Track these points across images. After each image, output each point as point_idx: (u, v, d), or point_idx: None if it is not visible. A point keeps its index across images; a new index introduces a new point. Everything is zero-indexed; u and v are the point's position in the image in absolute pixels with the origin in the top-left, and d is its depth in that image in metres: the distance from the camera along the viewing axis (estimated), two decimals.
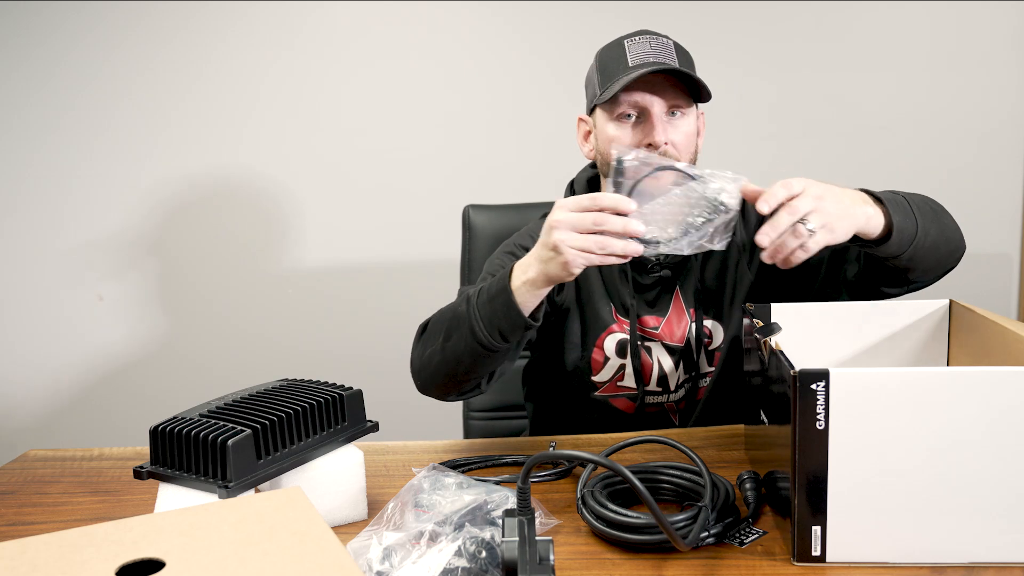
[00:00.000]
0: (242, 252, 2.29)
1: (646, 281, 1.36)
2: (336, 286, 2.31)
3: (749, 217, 1.39)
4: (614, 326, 1.35)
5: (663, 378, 1.36)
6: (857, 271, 1.27)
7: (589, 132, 1.36)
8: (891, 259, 1.12)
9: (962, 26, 2.21)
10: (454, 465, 1.18)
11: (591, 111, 1.34)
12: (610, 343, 1.35)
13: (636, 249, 1.01)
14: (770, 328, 1.09)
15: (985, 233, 2.30)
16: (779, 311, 1.17)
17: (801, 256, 1.01)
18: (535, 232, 1.39)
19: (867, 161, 2.26)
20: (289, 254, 2.29)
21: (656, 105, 1.25)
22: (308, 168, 2.26)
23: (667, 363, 1.36)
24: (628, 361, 1.35)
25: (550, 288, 1.10)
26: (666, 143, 1.25)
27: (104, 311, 2.30)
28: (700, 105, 1.31)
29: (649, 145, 1.26)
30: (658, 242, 1.01)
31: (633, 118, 1.27)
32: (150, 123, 2.23)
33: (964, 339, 1.14)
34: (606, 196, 1.01)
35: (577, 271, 1.04)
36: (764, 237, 0.99)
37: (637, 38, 1.29)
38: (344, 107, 2.24)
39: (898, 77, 2.23)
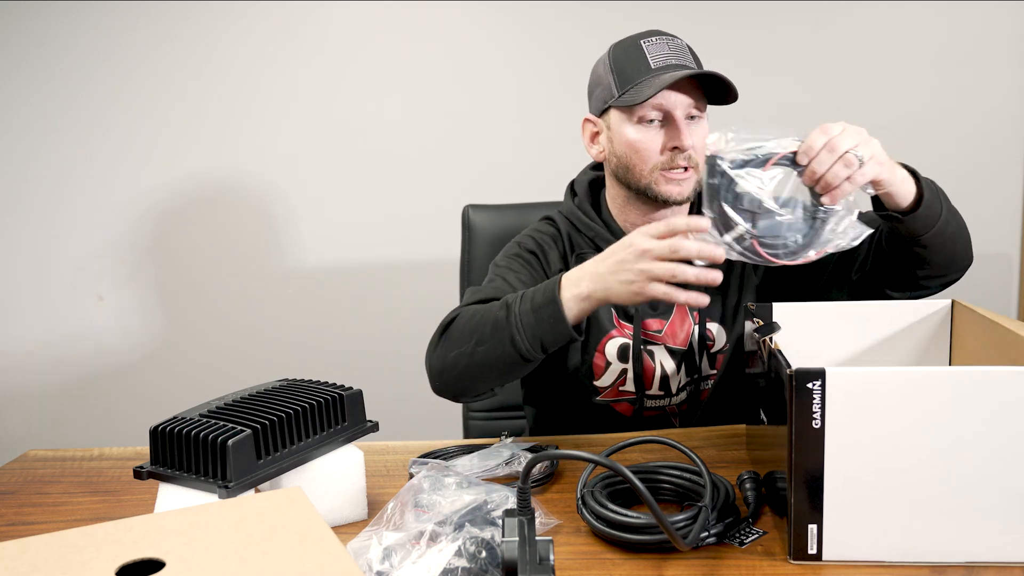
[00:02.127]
0: (242, 252, 2.29)
1: None
2: (336, 286, 2.31)
3: None
4: (614, 331, 1.34)
5: (665, 380, 1.35)
6: (863, 273, 1.26)
7: (597, 133, 1.34)
8: (913, 239, 1.13)
9: (962, 26, 2.21)
10: (435, 455, 1.20)
11: (602, 112, 1.32)
12: (611, 348, 1.34)
13: (714, 278, 1.00)
14: (770, 327, 1.09)
15: (985, 233, 2.29)
16: (780, 311, 1.17)
17: (848, 188, 1.01)
18: (537, 233, 1.38)
19: None
20: (289, 254, 2.30)
21: (680, 108, 1.24)
22: (308, 168, 2.26)
23: (669, 366, 1.35)
24: (630, 366, 1.34)
25: (601, 305, 1.10)
26: (691, 146, 1.24)
27: (104, 311, 2.30)
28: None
29: (675, 148, 1.25)
30: (776, 255, 0.98)
31: (657, 122, 1.26)
32: (149, 123, 2.23)
33: (966, 339, 1.14)
34: (679, 220, 1.01)
35: (645, 300, 1.04)
36: (812, 174, 1.01)
37: (653, 39, 1.27)
38: (343, 106, 2.24)
39: (898, 77, 2.23)
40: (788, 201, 1.00)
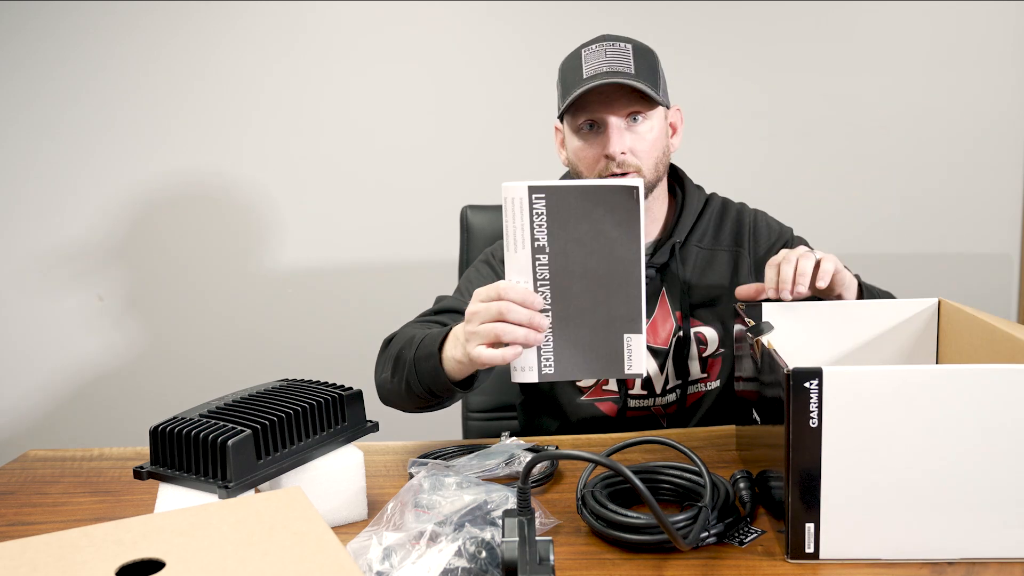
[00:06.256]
0: (242, 252, 2.29)
1: None
2: (335, 286, 2.31)
3: (759, 233, 1.41)
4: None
5: (647, 381, 1.36)
6: None
7: (564, 139, 1.38)
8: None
9: (962, 26, 2.21)
10: (435, 455, 1.20)
11: (561, 120, 1.36)
12: None
13: (538, 339, 0.99)
14: (761, 327, 1.09)
15: (985, 233, 2.30)
16: (769, 310, 1.17)
17: (805, 286, 1.11)
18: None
19: (866, 161, 2.26)
20: (289, 254, 2.30)
21: (611, 115, 1.27)
22: (307, 169, 2.26)
23: (651, 366, 1.35)
24: None
25: (477, 369, 1.09)
26: (623, 152, 1.27)
27: (104, 311, 2.30)
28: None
29: (607, 156, 1.28)
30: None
31: (591, 129, 1.29)
32: (149, 123, 2.23)
33: (953, 337, 1.14)
34: (512, 288, 0.98)
35: (486, 362, 1.01)
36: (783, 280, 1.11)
37: (594, 46, 1.29)
38: (342, 108, 2.24)
39: (897, 77, 2.23)
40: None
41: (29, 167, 2.24)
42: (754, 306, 1.16)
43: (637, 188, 0.94)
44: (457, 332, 1.10)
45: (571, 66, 1.30)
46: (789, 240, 1.42)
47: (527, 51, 2.22)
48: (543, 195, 0.95)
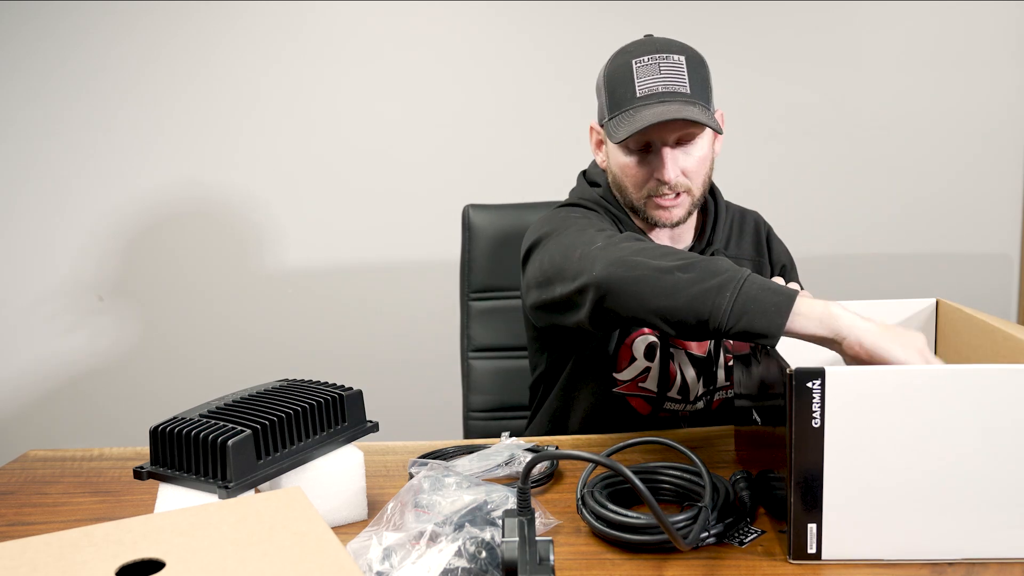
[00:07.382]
0: (243, 252, 2.29)
1: None
2: (336, 286, 2.31)
3: (773, 245, 1.42)
4: (645, 328, 1.32)
5: (684, 388, 1.34)
6: None
7: (602, 142, 1.33)
8: None
9: (962, 26, 2.21)
10: (435, 455, 1.20)
11: (602, 126, 1.30)
12: (639, 344, 1.33)
13: None
14: None
15: (985, 233, 2.30)
16: None
17: None
18: (578, 204, 1.34)
19: (867, 161, 2.26)
20: (289, 254, 2.30)
21: (664, 138, 1.22)
22: (308, 168, 2.26)
23: (689, 373, 1.34)
24: (655, 364, 1.32)
25: (828, 346, 0.97)
26: (674, 177, 1.23)
27: (104, 311, 2.30)
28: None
29: (659, 180, 1.24)
30: None
31: (643, 151, 1.24)
32: (150, 123, 2.23)
33: (951, 338, 1.14)
34: None
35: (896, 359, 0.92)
36: None
37: (647, 59, 1.22)
38: (343, 107, 2.24)
39: (898, 77, 2.23)
40: None
41: (29, 167, 2.24)
42: None
43: None
44: (844, 312, 0.96)
45: (621, 78, 1.23)
46: (787, 265, 1.45)
47: (531, 50, 2.22)
48: None
